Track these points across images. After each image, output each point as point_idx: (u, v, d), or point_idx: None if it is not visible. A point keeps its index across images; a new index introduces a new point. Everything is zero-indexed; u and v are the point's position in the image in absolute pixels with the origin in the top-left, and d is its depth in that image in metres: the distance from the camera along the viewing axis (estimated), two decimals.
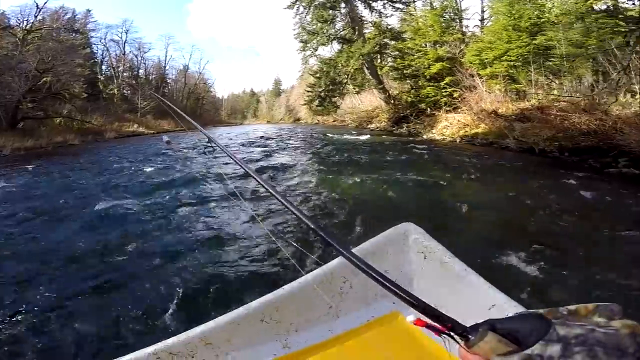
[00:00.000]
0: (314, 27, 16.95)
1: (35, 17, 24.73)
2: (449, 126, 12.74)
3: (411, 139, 13.07)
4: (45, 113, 22.38)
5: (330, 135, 16.23)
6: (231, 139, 17.26)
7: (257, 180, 0.93)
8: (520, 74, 12.24)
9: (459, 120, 12.13)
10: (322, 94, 16.83)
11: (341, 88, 17.12)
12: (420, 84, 14.63)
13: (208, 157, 10.02)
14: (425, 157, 8.96)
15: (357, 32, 17.73)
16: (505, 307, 0.88)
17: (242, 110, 73.01)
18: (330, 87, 16.66)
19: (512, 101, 11.91)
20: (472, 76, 13.34)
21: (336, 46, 18.49)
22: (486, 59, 13.17)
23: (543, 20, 12.90)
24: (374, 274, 0.53)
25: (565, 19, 11.92)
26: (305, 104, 17.74)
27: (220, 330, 0.92)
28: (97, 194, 5.87)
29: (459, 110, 13.50)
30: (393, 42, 17.76)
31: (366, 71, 17.95)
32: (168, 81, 47.29)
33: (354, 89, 18.36)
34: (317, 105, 17.29)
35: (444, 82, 14.01)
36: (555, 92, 11.97)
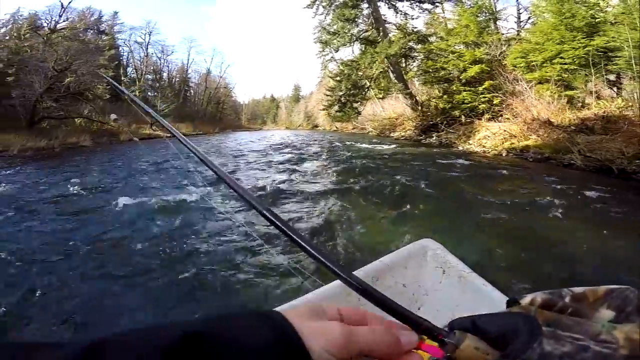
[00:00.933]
0: (335, 26, 15.43)
1: (60, 16, 24.50)
2: (490, 137, 10.83)
3: (444, 150, 11.24)
4: (66, 113, 21.91)
5: (350, 143, 14.57)
6: (239, 143, 15.94)
7: (233, 189, 0.60)
8: (577, 79, 10.25)
9: (505, 130, 10.21)
10: (343, 98, 15.17)
11: (363, 92, 15.41)
12: (455, 88, 12.79)
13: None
14: (471, 175, 7.17)
15: (381, 33, 16.11)
16: None
17: (262, 116, 72.93)
18: (352, 91, 15.00)
19: (570, 109, 9.92)
20: (517, 80, 11.42)
21: (357, 49, 17.01)
22: (533, 61, 11.24)
23: (598, 20, 10.91)
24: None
25: (627, 19, 9.93)
26: (324, 109, 16.18)
27: None
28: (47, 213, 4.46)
29: (501, 118, 11.60)
30: (419, 46, 16.04)
31: (391, 75, 16.24)
32: (190, 85, 47.13)
33: (379, 93, 16.57)
34: (336, 111, 15.64)
35: (483, 86, 12.13)
36: (620, 100, 9.93)
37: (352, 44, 15.48)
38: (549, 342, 0.25)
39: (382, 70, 14.99)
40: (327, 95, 15.99)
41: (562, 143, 8.45)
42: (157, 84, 36.95)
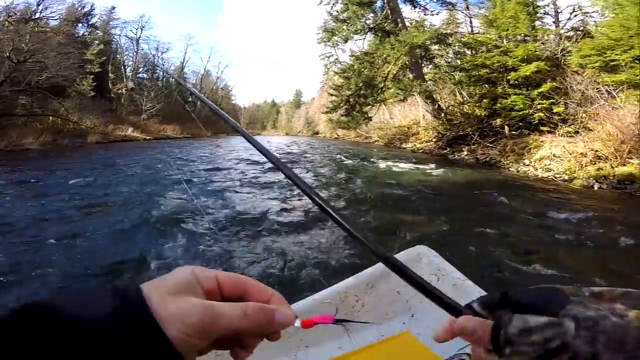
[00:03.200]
0: (346, 13, 12.26)
1: (38, 5, 21.22)
2: (557, 157, 7.65)
3: (493, 174, 8.00)
4: (30, 110, 18.59)
5: (356, 159, 11.27)
6: (219, 153, 12.72)
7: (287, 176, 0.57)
8: None
9: (591, 149, 6.99)
10: (351, 99, 11.87)
11: (377, 93, 12.11)
12: (500, 91, 9.59)
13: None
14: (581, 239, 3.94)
15: (400, 24, 12.98)
16: None
17: (262, 120, 70.53)
18: (363, 91, 11.72)
19: None
20: (589, 83, 8.27)
21: (367, 45, 13.87)
22: (615, 60, 8.11)
23: None
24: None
25: None
26: (326, 113, 12.87)
27: None
28: None
29: (562, 130, 8.44)
30: (435, 47, 12.95)
31: (410, 75, 13.04)
32: (188, 85, 43.94)
33: (397, 94, 13.17)
34: (342, 115, 12.37)
35: (539, 90, 8.96)
36: None
37: (365, 33, 12.28)
38: (577, 306, 0.27)
39: (401, 66, 11.77)
40: (332, 95, 12.65)
41: None
42: (149, 82, 33.81)
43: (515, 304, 0.30)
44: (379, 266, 1.04)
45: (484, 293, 0.87)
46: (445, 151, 11.82)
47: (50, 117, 20.07)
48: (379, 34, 12.92)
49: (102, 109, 23.95)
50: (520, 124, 9.35)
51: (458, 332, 0.31)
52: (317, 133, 41.30)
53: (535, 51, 9.37)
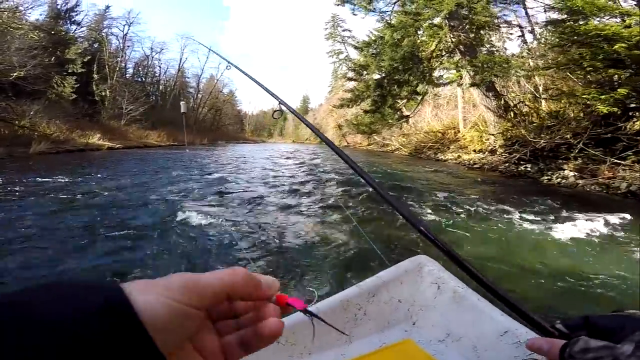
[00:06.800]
0: None
1: None
2: None
3: None
4: None
5: (427, 195, 6.94)
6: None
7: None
8: None
9: None
10: (385, 83, 7.39)
11: (425, 74, 7.55)
12: None
13: None
14: None
15: None
16: (518, 332, 0.83)
17: (269, 127, 67.62)
18: (398, 75, 7.30)
19: None
20: None
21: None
22: None
23: None
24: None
25: None
26: (341, 107, 8.40)
27: None
28: None
29: None
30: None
31: (462, 58, 8.74)
32: (190, 89, 40.56)
33: (468, 71, 8.32)
34: (367, 111, 7.98)
35: None
36: None
37: None
38: None
39: (458, 42, 7.37)
40: (353, 80, 8.16)
41: None
42: (138, 83, 30.35)
43: (593, 327, 0.36)
44: (381, 275, 1.05)
45: (484, 301, 0.91)
46: (524, 168, 7.57)
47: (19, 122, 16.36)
48: None
49: (79, 112, 20.53)
50: None
51: (529, 347, 0.38)
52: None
53: None
